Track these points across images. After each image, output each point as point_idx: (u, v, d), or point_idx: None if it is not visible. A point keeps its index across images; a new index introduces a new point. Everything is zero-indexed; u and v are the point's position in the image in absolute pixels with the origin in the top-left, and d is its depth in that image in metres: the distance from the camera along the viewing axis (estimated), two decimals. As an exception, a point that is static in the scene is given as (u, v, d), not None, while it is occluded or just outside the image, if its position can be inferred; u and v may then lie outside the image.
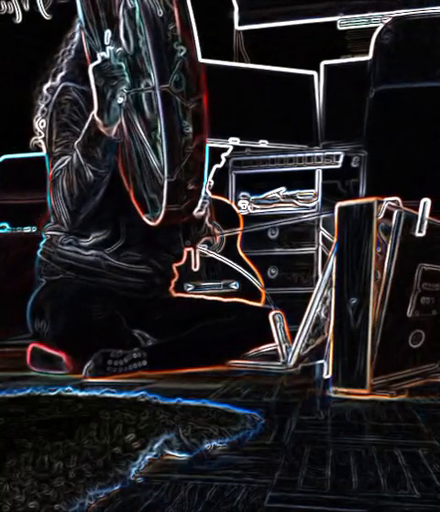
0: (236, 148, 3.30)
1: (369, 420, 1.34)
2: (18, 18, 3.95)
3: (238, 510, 0.81)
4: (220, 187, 3.20)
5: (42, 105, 2.37)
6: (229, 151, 3.28)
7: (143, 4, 1.83)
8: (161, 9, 1.83)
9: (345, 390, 1.61)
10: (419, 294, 1.70)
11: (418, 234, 1.66)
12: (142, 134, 2.02)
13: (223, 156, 3.27)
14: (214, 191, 3.07)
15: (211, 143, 3.21)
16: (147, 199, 2.10)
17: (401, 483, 0.91)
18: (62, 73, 2.33)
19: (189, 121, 1.90)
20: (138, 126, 2.04)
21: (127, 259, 2.29)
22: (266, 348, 2.26)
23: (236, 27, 3.75)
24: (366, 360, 1.57)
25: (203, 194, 2.19)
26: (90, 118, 2.06)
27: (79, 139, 2.09)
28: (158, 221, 2.04)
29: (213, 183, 3.11)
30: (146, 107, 2.01)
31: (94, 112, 2.03)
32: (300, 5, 3.63)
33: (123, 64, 1.98)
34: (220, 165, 3.24)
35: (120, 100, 2.00)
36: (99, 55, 2.00)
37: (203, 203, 2.36)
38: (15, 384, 1.85)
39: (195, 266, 2.81)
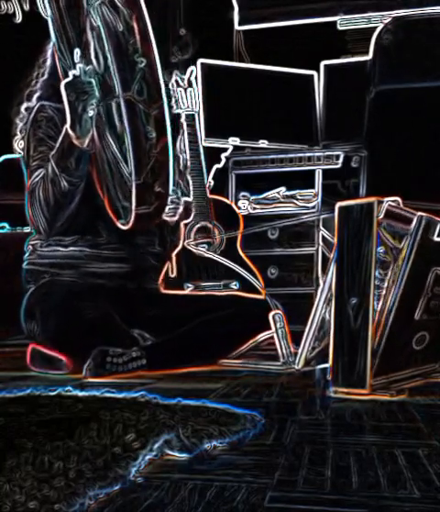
0: (236, 148, 3.29)
1: (369, 420, 1.34)
2: (18, 18, 3.95)
3: (238, 510, 0.81)
4: (220, 187, 3.20)
5: (21, 124, 2.47)
6: (229, 151, 3.29)
7: (105, 21, 1.97)
8: (122, 25, 1.98)
9: (345, 390, 1.61)
10: (429, 297, 1.69)
11: (437, 238, 1.66)
12: (113, 145, 2.14)
13: (223, 156, 3.27)
14: (214, 191, 3.08)
15: (211, 143, 3.22)
16: (120, 207, 2.19)
17: (401, 483, 0.91)
18: (38, 94, 2.44)
19: (152, 126, 2.03)
20: (109, 137, 2.15)
21: (105, 248, 2.33)
22: (262, 336, 2.27)
23: (236, 27, 3.74)
24: (366, 360, 1.57)
25: (170, 197, 2.28)
26: (63, 131, 2.16)
27: (53, 152, 2.19)
28: (130, 224, 2.14)
29: (213, 183, 3.12)
30: (116, 119, 2.11)
31: (67, 125, 2.13)
32: (300, 5, 3.63)
33: (93, 80, 2.10)
34: (220, 165, 3.25)
35: (91, 113, 2.12)
36: (70, 73, 2.11)
37: (175, 208, 2.44)
38: (15, 383, 1.85)
39: (172, 272, 2.83)
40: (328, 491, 0.88)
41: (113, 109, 2.11)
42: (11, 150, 3.28)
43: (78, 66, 2.09)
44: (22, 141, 2.48)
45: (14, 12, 3.94)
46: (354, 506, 0.83)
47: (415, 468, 0.98)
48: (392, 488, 0.89)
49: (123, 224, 2.19)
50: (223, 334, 2.25)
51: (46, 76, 2.43)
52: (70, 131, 2.12)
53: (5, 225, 3.22)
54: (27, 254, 2.39)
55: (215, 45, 3.64)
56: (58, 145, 2.18)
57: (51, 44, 2.36)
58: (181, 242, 2.84)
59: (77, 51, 2.11)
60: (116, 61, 1.97)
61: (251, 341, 2.31)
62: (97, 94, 2.10)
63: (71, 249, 2.32)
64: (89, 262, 2.32)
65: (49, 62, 2.43)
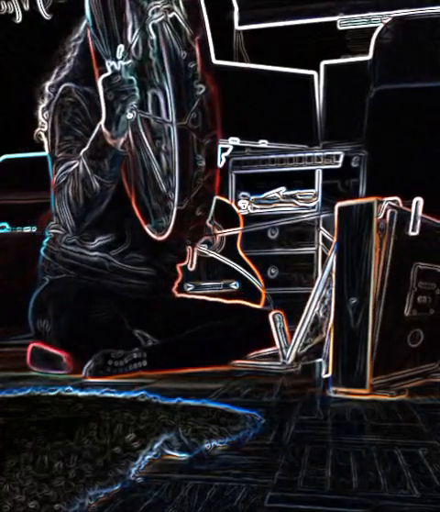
0: (236, 148, 3.30)
1: (369, 420, 1.34)
2: (18, 18, 3.95)
3: (238, 510, 0.81)
4: (220, 187, 3.20)
5: (43, 104, 2.37)
6: (229, 151, 3.29)
7: (166, 43, 1.86)
8: (184, 52, 1.88)
9: (345, 390, 1.61)
10: (415, 292, 1.70)
11: (411, 233, 1.66)
12: (148, 145, 2.06)
13: (223, 156, 3.27)
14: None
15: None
16: (149, 208, 2.14)
17: (401, 483, 0.91)
18: (66, 72, 2.31)
19: (202, 155, 1.97)
20: (144, 137, 2.07)
21: (132, 261, 2.29)
22: (266, 352, 2.26)
23: (236, 27, 3.74)
24: (366, 359, 1.57)
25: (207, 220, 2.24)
26: (97, 129, 2.06)
27: (86, 149, 2.10)
28: (162, 238, 2.10)
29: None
30: (152, 120, 2.04)
31: (102, 123, 2.03)
32: (300, 5, 3.63)
33: (134, 78, 1.99)
34: (220, 165, 3.25)
35: (130, 115, 2.01)
36: (108, 65, 2.00)
37: None
38: (15, 383, 1.85)
39: (191, 266, 2.82)
40: (328, 491, 0.88)
41: (150, 107, 2.03)
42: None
43: (119, 62, 1.97)
44: (46, 112, 2.35)
45: (14, 12, 3.95)
46: (354, 506, 0.83)
47: (415, 468, 0.98)
48: (392, 488, 0.89)
49: (151, 230, 2.14)
50: (225, 342, 2.23)
51: (76, 53, 2.30)
52: (104, 130, 2.02)
53: (5, 225, 3.22)
54: (46, 240, 2.34)
55: (215, 45, 3.64)
56: (90, 143, 2.08)
57: (84, 23, 2.24)
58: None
59: (120, 47, 1.99)
60: (174, 88, 1.87)
61: (255, 353, 2.29)
62: (138, 94, 1.99)
63: (97, 254, 2.26)
64: (111, 275, 2.27)
65: (82, 37, 2.28)
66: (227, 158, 3.28)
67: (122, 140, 2.06)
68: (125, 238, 2.28)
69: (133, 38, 1.98)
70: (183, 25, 1.89)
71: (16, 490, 0.81)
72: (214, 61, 3.31)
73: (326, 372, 1.67)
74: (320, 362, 1.92)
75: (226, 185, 3.28)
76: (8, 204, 3.22)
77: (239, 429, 1.17)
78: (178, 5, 1.90)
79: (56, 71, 2.37)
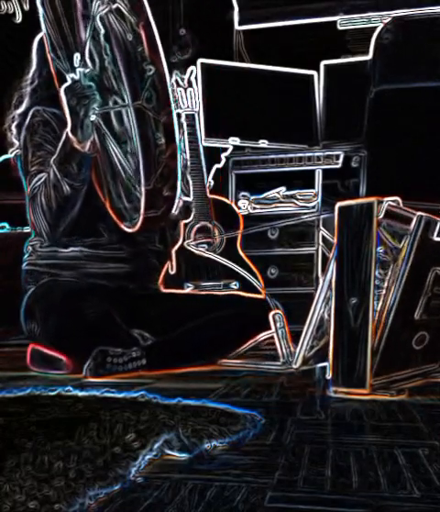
0: (236, 148, 3.30)
1: (369, 420, 1.34)
2: (18, 18, 3.95)
3: (238, 510, 0.81)
4: (220, 187, 3.20)
5: (15, 132, 2.44)
6: (229, 151, 3.29)
7: (113, 31, 1.98)
8: (130, 34, 1.99)
9: (345, 390, 1.61)
10: (429, 297, 1.69)
11: (436, 238, 1.66)
12: (114, 147, 2.15)
13: (223, 156, 3.27)
14: (213, 191, 3.08)
15: (211, 143, 3.22)
16: (123, 208, 2.21)
17: (401, 483, 0.91)
18: (28, 99, 2.42)
19: (161, 133, 2.05)
20: (110, 139, 2.15)
21: (105, 248, 2.33)
22: (262, 336, 2.27)
23: (236, 27, 3.74)
24: (366, 360, 1.57)
25: (177, 200, 2.26)
26: (64, 136, 2.15)
27: (55, 156, 2.18)
28: (136, 227, 2.15)
29: (212, 183, 3.12)
30: (115, 122, 2.13)
31: (68, 129, 2.13)
32: (300, 5, 3.63)
33: (93, 84, 2.10)
34: (220, 165, 3.25)
35: (92, 117, 2.12)
36: (68, 77, 2.11)
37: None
38: (15, 383, 1.85)
39: (172, 269, 2.84)
40: (328, 491, 0.88)
41: (112, 114, 2.13)
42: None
43: (78, 70, 2.09)
44: (17, 151, 2.45)
45: (14, 12, 3.94)
46: (354, 506, 0.83)
47: (415, 468, 0.98)
48: (392, 488, 0.89)
49: (128, 227, 2.20)
50: (223, 334, 2.25)
51: (36, 82, 2.42)
52: (71, 136, 2.12)
53: (5, 225, 3.22)
54: (26, 255, 2.39)
55: (215, 45, 3.64)
56: (59, 149, 2.17)
57: (35, 46, 2.39)
58: (180, 238, 2.85)
59: (77, 55, 2.12)
60: (126, 71, 1.97)
61: (251, 341, 2.31)
62: (98, 97, 2.10)
63: (71, 249, 2.32)
64: (88, 263, 2.32)
65: (33, 68, 2.42)
66: (227, 158, 3.28)
67: (88, 144, 2.15)
68: (101, 237, 2.34)
69: (86, 37, 2.10)
70: (127, 14, 1.99)
71: (16, 490, 0.81)
72: (215, 62, 3.32)
73: (328, 374, 1.67)
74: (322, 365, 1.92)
75: (226, 185, 3.28)
76: (8, 204, 3.22)
77: (239, 429, 1.17)
78: None
79: (18, 99, 2.47)
